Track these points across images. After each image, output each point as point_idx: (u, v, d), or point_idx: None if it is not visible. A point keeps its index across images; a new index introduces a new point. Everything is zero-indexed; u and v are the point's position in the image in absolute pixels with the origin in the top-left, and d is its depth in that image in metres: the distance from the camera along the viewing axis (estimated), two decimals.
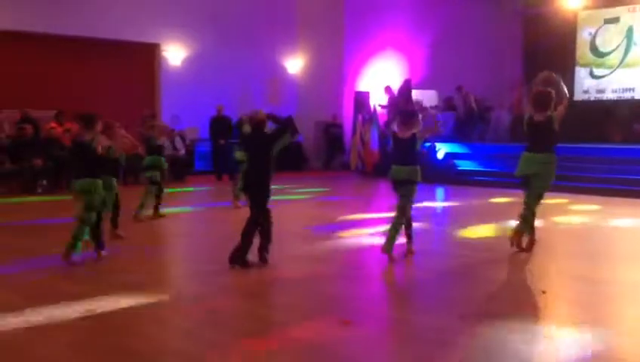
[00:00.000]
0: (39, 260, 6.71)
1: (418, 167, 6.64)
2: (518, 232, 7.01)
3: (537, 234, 7.23)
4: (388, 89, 17.23)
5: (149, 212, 9.34)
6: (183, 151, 15.94)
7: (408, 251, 6.83)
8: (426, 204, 11.92)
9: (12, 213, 10.30)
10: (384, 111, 17.02)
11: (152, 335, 4.49)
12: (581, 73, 18.65)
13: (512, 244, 7.00)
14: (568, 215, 9.83)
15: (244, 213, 6.62)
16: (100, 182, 6.55)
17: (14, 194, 12.44)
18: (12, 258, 6.83)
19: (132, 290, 5.55)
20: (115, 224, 7.74)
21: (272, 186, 6.40)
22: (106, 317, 4.86)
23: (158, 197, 9.37)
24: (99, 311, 5.01)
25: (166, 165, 9.69)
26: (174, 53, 17.11)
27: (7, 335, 4.45)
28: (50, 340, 4.36)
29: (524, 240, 7.04)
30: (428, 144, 16.31)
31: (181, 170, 15.68)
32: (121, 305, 5.12)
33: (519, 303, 5.28)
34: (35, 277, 6.07)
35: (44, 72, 15.00)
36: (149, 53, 16.96)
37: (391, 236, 6.59)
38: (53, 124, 13.67)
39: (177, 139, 15.92)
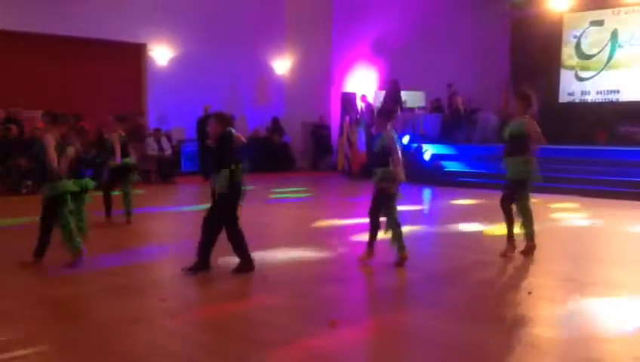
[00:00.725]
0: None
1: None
2: (532, 238, 6.98)
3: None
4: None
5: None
6: (169, 152, 15.86)
7: (368, 256, 6.66)
8: (414, 205, 11.97)
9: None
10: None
11: (146, 338, 4.45)
12: (566, 75, 18.80)
13: (530, 254, 6.93)
14: (553, 217, 9.90)
15: None
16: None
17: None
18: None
19: (122, 292, 5.52)
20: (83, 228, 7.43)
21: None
22: (99, 320, 4.82)
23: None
24: (91, 313, 4.97)
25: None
26: (161, 53, 17.02)
27: None
28: (42, 342, 4.32)
29: (522, 245, 7.04)
30: (415, 145, 16.40)
31: (168, 170, 15.62)
32: (112, 307, 5.09)
33: (506, 305, 5.31)
34: (24, 280, 6.01)
35: (31, 72, 14.85)
36: (136, 52, 16.86)
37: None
38: (41, 124, 13.51)
39: (163, 139, 15.85)
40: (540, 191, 7.21)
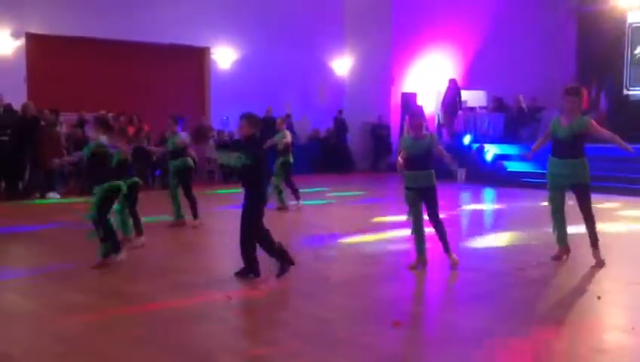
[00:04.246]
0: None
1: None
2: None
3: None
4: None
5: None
6: None
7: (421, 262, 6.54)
8: (474, 205, 11.83)
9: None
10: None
11: (212, 334, 4.59)
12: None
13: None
14: (619, 219, 9.56)
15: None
16: None
17: (70, 194, 12.77)
18: (74, 257, 7.08)
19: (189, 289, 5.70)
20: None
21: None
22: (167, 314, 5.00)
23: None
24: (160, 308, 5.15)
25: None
26: (223, 57, 17.38)
27: (72, 330, 4.64)
28: None
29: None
30: (476, 145, 16.14)
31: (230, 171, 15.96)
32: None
33: (574, 308, 5.20)
34: (97, 277, 6.29)
35: (98, 76, 15.44)
36: (199, 56, 17.29)
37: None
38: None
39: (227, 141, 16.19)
40: (605, 192, 6.94)
